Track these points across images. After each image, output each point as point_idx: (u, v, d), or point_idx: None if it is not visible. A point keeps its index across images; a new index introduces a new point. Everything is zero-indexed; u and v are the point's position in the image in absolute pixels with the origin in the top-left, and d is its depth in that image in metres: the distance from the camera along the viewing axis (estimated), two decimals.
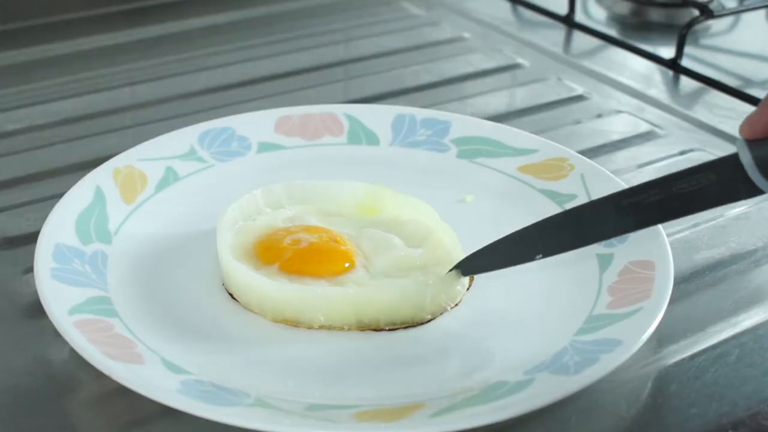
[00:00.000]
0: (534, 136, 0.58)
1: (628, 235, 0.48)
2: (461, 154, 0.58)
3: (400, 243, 0.48)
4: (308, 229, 0.49)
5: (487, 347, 0.44)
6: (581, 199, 0.52)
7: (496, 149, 0.57)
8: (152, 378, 0.39)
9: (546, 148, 0.56)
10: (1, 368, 0.43)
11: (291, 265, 0.46)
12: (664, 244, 0.47)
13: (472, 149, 0.58)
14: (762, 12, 0.88)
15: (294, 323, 0.44)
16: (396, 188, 0.52)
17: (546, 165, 0.55)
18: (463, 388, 0.41)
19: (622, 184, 0.52)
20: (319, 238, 0.48)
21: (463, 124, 0.59)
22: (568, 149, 0.56)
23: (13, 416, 0.41)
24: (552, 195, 0.53)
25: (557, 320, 0.45)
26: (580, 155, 0.55)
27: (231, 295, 0.46)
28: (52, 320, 0.41)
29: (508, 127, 0.60)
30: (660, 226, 0.47)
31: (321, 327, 0.44)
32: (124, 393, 0.38)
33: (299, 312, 0.44)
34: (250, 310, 0.45)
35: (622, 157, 0.62)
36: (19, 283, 0.44)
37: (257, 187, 0.52)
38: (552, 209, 0.52)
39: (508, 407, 0.38)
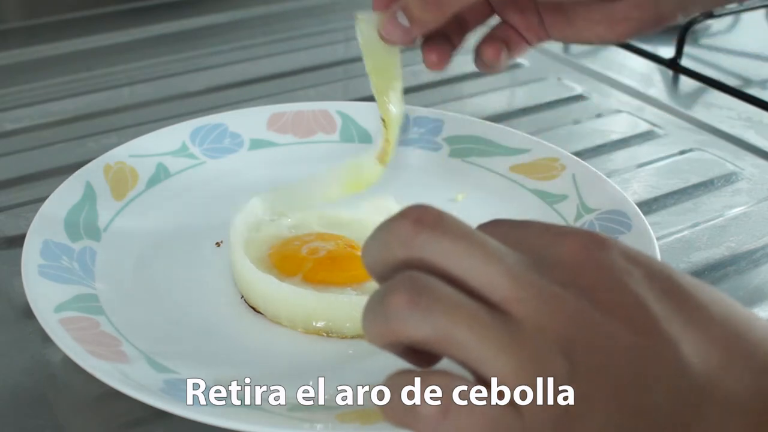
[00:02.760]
0: (526, 135, 0.58)
1: (617, 236, 0.48)
2: (453, 153, 0.57)
3: None
4: (321, 236, 0.48)
5: None
6: (572, 200, 0.52)
7: (489, 148, 0.57)
8: (135, 376, 0.39)
9: (538, 147, 0.56)
10: (0, 368, 0.43)
11: (314, 275, 0.46)
12: (653, 244, 0.46)
13: (464, 148, 0.57)
14: (762, 12, 0.88)
15: (326, 333, 0.44)
16: (388, 187, 0.51)
17: (537, 165, 0.55)
18: None
19: (613, 184, 0.52)
20: (336, 246, 0.47)
21: (455, 122, 0.59)
22: (560, 149, 0.56)
23: (10, 416, 0.41)
24: (543, 195, 0.53)
25: None
26: (571, 155, 0.55)
27: (251, 304, 0.46)
28: (37, 317, 0.41)
29: (501, 126, 0.60)
30: (650, 229, 0.47)
31: (354, 336, 0.44)
32: (122, 393, 0.38)
33: (332, 321, 0.44)
34: (280, 323, 0.44)
35: (621, 156, 0.62)
36: (18, 283, 0.43)
37: (248, 185, 0.52)
38: (543, 209, 0.52)
39: None
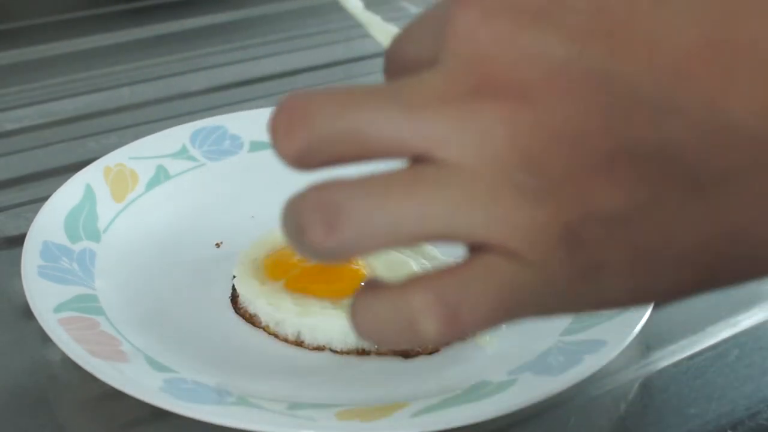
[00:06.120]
0: None
1: None
2: None
3: (409, 259, 0.47)
4: None
5: (472, 346, 0.44)
6: None
7: None
8: (135, 375, 0.39)
9: None
10: (0, 368, 0.43)
11: (296, 283, 0.45)
12: None
13: None
14: None
15: (307, 346, 0.44)
16: None
17: None
18: (445, 388, 0.40)
19: None
20: None
21: None
22: None
23: (10, 416, 0.41)
24: None
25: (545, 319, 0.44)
26: None
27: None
28: (37, 317, 0.41)
29: None
30: None
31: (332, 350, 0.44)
32: (122, 393, 0.38)
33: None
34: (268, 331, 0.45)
35: None
36: (18, 283, 0.43)
37: (249, 186, 0.52)
38: None
39: (489, 408, 0.37)
